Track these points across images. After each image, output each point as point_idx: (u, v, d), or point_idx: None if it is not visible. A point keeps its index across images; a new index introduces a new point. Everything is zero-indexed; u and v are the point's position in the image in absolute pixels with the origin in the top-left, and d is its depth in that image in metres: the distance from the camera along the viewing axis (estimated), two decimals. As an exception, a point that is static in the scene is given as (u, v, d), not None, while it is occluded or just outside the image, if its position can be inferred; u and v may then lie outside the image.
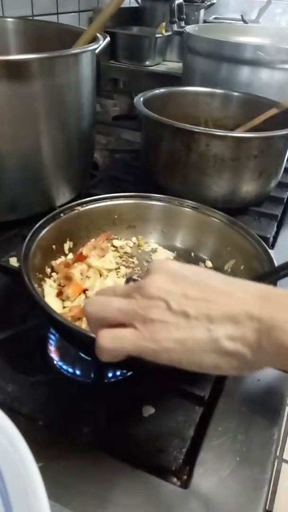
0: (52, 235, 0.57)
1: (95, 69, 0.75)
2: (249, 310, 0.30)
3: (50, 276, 0.57)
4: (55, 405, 0.45)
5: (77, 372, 0.50)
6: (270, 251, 0.55)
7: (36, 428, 0.42)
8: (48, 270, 0.57)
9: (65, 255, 0.60)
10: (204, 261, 0.63)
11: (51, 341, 0.54)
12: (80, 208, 0.62)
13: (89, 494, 0.37)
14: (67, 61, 0.65)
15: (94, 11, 1.40)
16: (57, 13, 1.27)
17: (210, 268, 0.62)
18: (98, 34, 0.74)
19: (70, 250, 0.61)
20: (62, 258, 0.59)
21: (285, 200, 0.85)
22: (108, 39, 0.83)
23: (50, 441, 0.41)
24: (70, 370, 0.50)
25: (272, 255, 0.54)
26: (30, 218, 0.70)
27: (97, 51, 0.76)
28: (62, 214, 0.60)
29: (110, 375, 0.50)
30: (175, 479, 0.39)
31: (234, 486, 0.38)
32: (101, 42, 0.73)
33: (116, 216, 0.65)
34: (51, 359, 0.52)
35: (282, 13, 1.56)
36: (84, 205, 0.63)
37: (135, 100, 0.79)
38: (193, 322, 0.31)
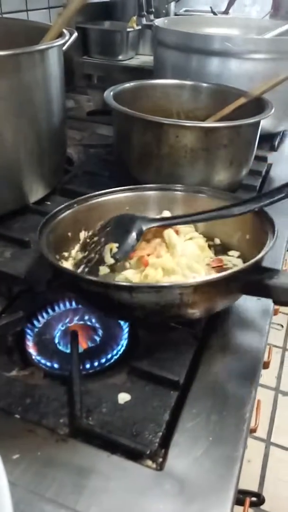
0: (67, 222, 0.60)
1: (62, 65, 0.74)
2: None
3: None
4: (31, 398, 0.45)
5: (55, 365, 0.50)
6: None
7: (13, 421, 0.43)
8: (65, 254, 0.60)
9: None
10: (212, 239, 0.64)
11: (28, 337, 0.54)
12: (93, 200, 0.63)
13: (66, 482, 0.38)
14: (33, 58, 0.65)
15: (65, 7, 1.39)
16: (27, 10, 1.26)
17: (219, 244, 0.64)
18: (64, 30, 0.74)
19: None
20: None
21: (258, 187, 0.86)
22: (75, 34, 0.83)
23: (27, 433, 0.42)
24: (48, 363, 0.51)
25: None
26: (3, 216, 0.71)
27: (64, 47, 0.76)
28: (75, 205, 0.61)
29: (87, 366, 0.50)
30: (150, 462, 0.40)
31: (207, 465, 0.39)
32: (67, 37, 0.73)
33: (127, 208, 0.65)
34: (29, 354, 0.52)
35: (251, 4, 1.57)
36: (96, 197, 0.64)
37: (105, 95, 0.79)
38: None
